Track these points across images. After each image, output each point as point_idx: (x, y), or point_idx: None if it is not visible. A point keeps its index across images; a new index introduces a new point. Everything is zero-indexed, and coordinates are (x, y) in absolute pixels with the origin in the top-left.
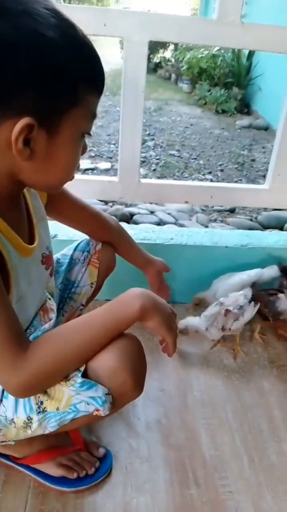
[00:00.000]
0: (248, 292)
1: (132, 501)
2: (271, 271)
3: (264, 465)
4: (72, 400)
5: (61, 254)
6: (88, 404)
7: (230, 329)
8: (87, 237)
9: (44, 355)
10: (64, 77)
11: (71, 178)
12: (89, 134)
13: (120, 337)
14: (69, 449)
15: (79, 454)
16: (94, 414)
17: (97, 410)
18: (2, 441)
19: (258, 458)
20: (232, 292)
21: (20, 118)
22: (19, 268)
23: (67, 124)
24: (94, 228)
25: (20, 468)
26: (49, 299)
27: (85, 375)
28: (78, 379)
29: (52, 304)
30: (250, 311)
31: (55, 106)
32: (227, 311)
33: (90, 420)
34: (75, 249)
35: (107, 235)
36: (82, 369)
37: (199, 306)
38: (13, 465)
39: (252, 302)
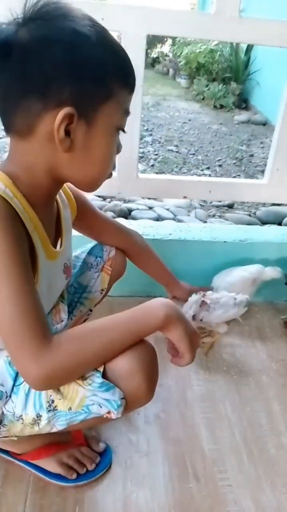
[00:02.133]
0: (243, 298)
1: (131, 495)
2: (273, 272)
3: (263, 459)
4: (86, 401)
5: (74, 256)
6: (101, 407)
7: (201, 320)
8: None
9: (68, 349)
10: (98, 72)
11: (107, 174)
12: (123, 131)
13: (138, 343)
14: (70, 445)
15: (80, 449)
16: (105, 416)
17: (109, 412)
18: (5, 436)
19: (257, 452)
20: (232, 288)
21: (60, 109)
22: (43, 268)
23: (102, 117)
24: (120, 243)
25: (20, 464)
26: (62, 301)
27: (103, 376)
28: (97, 379)
29: (64, 306)
30: (233, 312)
31: (91, 99)
32: (203, 302)
33: (99, 422)
34: (88, 253)
35: (133, 249)
36: (101, 369)
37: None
38: (13, 460)
39: (240, 305)
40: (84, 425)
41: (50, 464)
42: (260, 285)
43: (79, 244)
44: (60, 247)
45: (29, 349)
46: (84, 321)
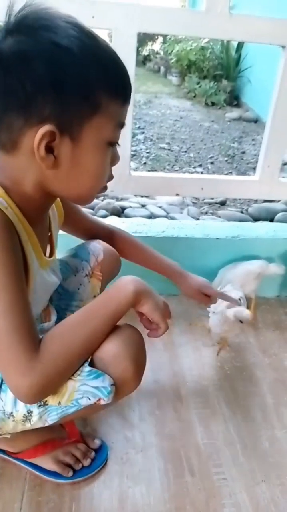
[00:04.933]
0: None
1: (128, 490)
2: (277, 269)
3: (257, 452)
4: (75, 395)
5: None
6: (90, 399)
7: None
8: (82, 241)
9: (54, 352)
10: (81, 85)
11: (101, 188)
12: (118, 144)
13: (122, 328)
14: (65, 442)
15: (76, 446)
16: (94, 404)
17: (99, 399)
18: None
19: (252, 446)
20: (236, 281)
21: (42, 126)
22: (37, 277)
23: (89, 132)
24: (108, 238)
25: (17, 462)
26: (50, 303)
27: (91, 365)
28: (85, 368)
29: (53, 308)
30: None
31: (75, 114)
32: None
33: (91, 411)
34: (72, 256)
35: (122, 243)
36: (88, 358)
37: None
38: (9, 459)
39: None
40: (76, 416)
41: (46, 462)
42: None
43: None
44: (51, 255)
45: (19, 364)
46: None
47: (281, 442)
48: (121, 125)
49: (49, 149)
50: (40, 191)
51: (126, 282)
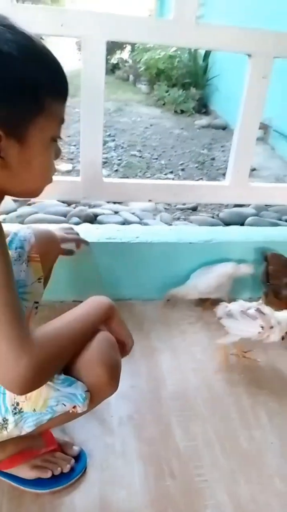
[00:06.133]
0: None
1: (108, 497)
2: (247, 269)
3: (236, 452)
4: (49, 402)
5: None
6: (65, 405)
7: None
8: (13, 231)
9: (45, 342)
10: (25, 89)
11: (49, 181)
12: (60, 138)
13: (95, 335)
14: (43, 451)
15: (53, 454)
16: (71, 411)
17: (74, 407)
18: None
19: (230, 446)
20: (208, 285)
21: None
22: None
23: (35, 132)
24: None
25: None
26: None
27: (65, 373)
28: (60, 376)
29: None
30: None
31: (20, 117)
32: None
33: (68, 419)
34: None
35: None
36: (62, 368)
37: (171, 302)
38: None
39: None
40: (53, 424)
41: (24, 470)
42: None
43: None
44: None
45: (14, 345)
46: (35, 314)
47: (259, 441)
48: (63, 121)
49: None
50: None
51: (102, 298)
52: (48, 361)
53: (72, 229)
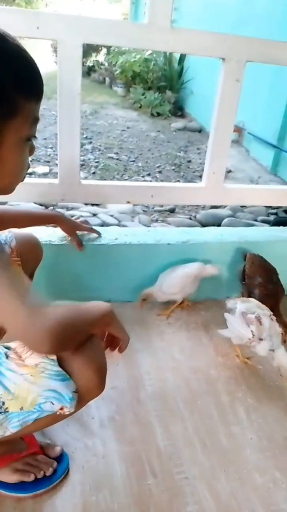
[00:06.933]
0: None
1: (91, 499)
2: (213, 270)
3: (216, 449)
4: (38, 399)
5: None
6: (53, 404)
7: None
8: None
9: (63, 313)
10: None
11: (22, 179)
12: (35, 137)
13: (89, 340)
14: (24, 454)
15: (35, 457)
16: (58, 413)
17: (62, 408)
18: None
19: (210, 443)
20: (175, 284)
21: None
22: None
23: (10, 134)
24: None
25: None
26: None
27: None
28: (54, 367)
29: None
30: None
31: None
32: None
33: (52, 421)
34: None
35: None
36: (55, 358)
37: (146, 301)
38: None
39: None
40: (38, 426)
41: (5, 474)
42: (201, 282)
43: None
44: None
45: (36, 307)
46: None
47: (237, 437)
48: (37, 120)
49: None
50: None
51: (104, 303)
52: (65, 324)
53: (87, 222)
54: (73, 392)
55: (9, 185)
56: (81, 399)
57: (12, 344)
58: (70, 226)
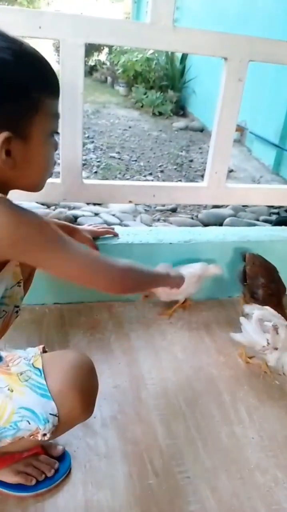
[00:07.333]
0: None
1: (93, 498)
2: (216, 270)
3: (217, 448)
4: (14, 417)
5: None
6: (29, 423)
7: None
8: None
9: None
10: (22, 90)
11: (51, 174)
12: (57, 132)
13: (74, 361)
14: (25, 454)
15: (37, 457)
16: (32, 437)
17: (38, 431)
18: None
19: (212, 442)
20: None
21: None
22: None
23: (36, 130)
24: None
25: None
26: None
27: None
28: (39, 378)
29: None
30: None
31: (22, 117)
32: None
33: (30, 443)
34: None
35: None
36: (41, 367)
37: (149, 298)
38: None
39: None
40: (19, 447)
41: (7, 475)
42: (204, 281)
43: None
44: None
45: (103, 264)
46: (16, 318)
47: (239, 437)
48: (58, 115)
49: (7, 153)
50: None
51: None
52: (135, 270)
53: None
54: (51, 414)
55: (40, 181)
56: (65, 424)
57: (2, 353)
58: (82, 236)
